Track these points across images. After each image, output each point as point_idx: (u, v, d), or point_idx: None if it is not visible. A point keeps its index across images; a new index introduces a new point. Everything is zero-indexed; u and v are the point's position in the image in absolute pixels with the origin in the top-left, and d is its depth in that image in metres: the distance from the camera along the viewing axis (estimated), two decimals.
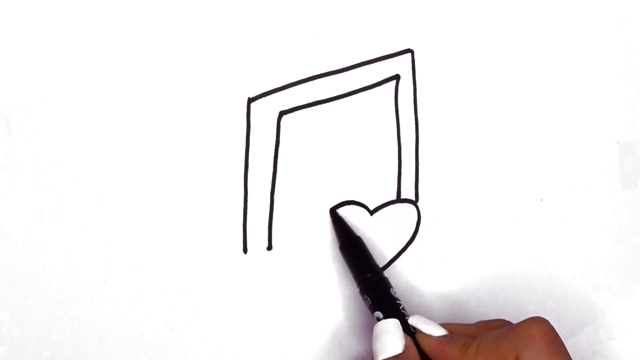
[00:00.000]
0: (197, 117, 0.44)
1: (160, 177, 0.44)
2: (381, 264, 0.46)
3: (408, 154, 0.46)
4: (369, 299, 0.43)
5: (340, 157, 0.46)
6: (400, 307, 0.42)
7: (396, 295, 0.43)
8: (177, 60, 0.44)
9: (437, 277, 0.47)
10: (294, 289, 0.45)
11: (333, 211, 0.45)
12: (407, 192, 0.46)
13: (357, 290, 0.44)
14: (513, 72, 0.47)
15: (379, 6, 0.46)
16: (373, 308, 0.42)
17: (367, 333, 0.44)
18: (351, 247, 0.44)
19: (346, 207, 0.46)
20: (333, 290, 0.46)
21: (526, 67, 0.47)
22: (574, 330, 0.48)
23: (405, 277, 0.46)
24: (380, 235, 0.46)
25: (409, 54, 0.46)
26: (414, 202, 0.47)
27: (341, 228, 0.45)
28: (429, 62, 0.46)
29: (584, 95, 0.47)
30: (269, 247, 0.45)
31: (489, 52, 0.47)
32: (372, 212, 0.46)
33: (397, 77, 0.46)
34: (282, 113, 0.45)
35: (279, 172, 0.45)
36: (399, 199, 0.46)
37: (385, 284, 0.43)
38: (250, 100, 0.45)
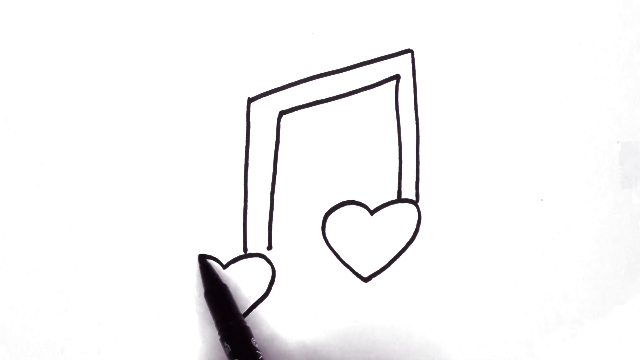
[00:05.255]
0: (197, 117, 0.44)
1: (160, 177, 0.44)
2: (381, 264, 0.46)
3: (408, 153, 0.46)
4: (229, 346, 0.42)
5: (340, 157, 0.46)
6: (260, 358, 0.42)
7: (256, 345, 0.42)
8: (177, 60, 0.44)
9: (437, 276, 0.47)
10: (294, 288, 0.45)
11: (201, 257, 0.44)
12: (408, 192, 0.46)
13: (218, 337, 0.43)
14: (513, 72, 0.47)
15: (379, 6, 0.46)
16: (232, 356, 0.41)
17: None
18: (216, 294, 0.43)
19: (346, 207, 0.46)
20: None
21: (526, 67, 0.47)
22: (574, 330, 0.47)
23: (405, 276, 0.46)
24: (381, 235, 0.46)
25: (409, 54, 0.46)
26: (415, 202, 0.47)
27: (207, 274, 0.44)
28: (429, 62, 0.46)
29: (584, 95, 0.47)
30: (269, 247, 0.45)
31: (489, 52, 0.47)
32: (372, 212, 0.46)
33: (397, 77, 0.46)
34: (282, 113, 0.45)
35: (279, 172, 0.45)
36: (399, 199, 0.46)
37: (246, 333, 0.42)
38: (250, 100, 0.45)
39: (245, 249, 0.45)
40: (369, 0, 0.45)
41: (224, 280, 0.44)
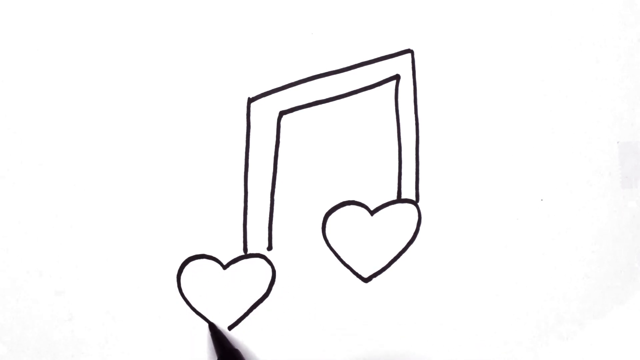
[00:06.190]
0: (197, 117, 0.44)
1: (161, 177, 0.44)
2: (381, 265, 0.46)
3: (408, 154, 0.46)
4: None
5: (340, 157, 0.46)
6: None
7: None
8: (177, 60, 0.44)
9: (437, 277, 0.47)
10: (294, 289, 0.45)
11: (212, 326, 0.44)
12: (408, 192, 0.46)
13: None
14: (513, 72, 0.47)
15: (379, 6, 0.46)
16: None
17: None
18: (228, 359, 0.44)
19: (346, 207, 0.46)
20: (332, 289, 0.45)
21: (526, 67, 0.47)
22: (574, 330, 0.47)
23: (405, 277, 0.46)
24: (381, 236, 0.46)
25: (409, 54, 0.46)
26: (415, 202, 0.47)
27: (218, 342, 0.44)
28: (429, 62, 0.46)
29: (584, 95, 0.47)
30: (269, 247, 0.45)
31: (489, 52, 0.47)
32: (372, 212, 0.46)
33: (397, 77, 0.46)
34: (282, 113, 0.45)
35: (279, 172, 0.45)
36: (399, 199, 0.46)
37: None
38: (250, 100, 0.45)
39: (245, 249, 0.45)
40: (369, 0, 0.45)
41: (224, 283, 0.44)
